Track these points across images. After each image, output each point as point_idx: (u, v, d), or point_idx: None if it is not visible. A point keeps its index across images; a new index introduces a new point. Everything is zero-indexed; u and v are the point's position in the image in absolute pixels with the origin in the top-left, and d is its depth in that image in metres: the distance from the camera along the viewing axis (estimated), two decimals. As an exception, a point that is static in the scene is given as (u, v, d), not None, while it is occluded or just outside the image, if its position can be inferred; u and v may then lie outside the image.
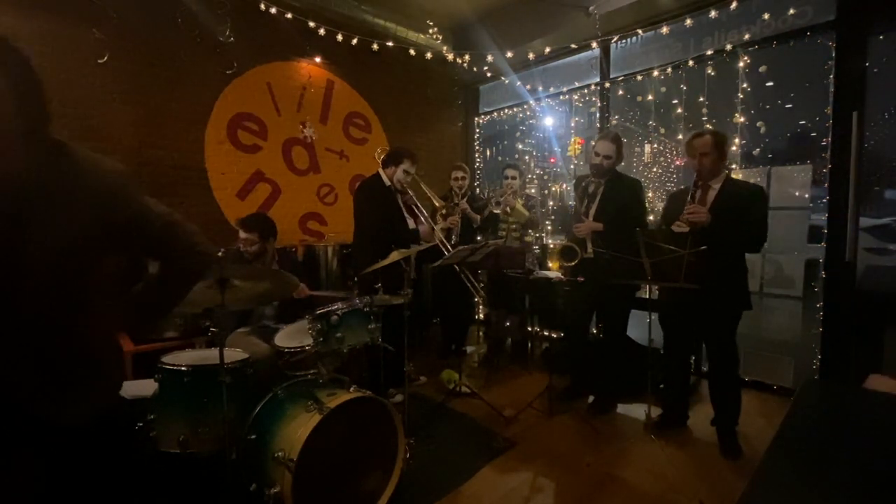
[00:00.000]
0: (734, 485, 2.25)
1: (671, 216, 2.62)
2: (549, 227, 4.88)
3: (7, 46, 0.92)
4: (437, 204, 3.52)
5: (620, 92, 4.37)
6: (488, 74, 4.94)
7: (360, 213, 3.26)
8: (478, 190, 5.50)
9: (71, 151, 1.00)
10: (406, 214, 3.30)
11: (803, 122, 4.59)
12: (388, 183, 3.20)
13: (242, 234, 2.75)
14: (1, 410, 0.96)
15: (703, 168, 2.53)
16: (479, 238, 3.95)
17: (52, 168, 0.97)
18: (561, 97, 4.84)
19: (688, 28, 3.73)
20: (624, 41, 4.15)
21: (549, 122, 5.22)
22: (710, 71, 3.68)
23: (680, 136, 4.09)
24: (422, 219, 3.40)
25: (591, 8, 3.98)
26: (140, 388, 2.02)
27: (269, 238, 2.85)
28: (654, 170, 5.40)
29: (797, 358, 3.40)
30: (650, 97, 4.07)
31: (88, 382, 1.05)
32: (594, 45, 4.21)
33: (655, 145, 5.31)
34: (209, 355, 2.07)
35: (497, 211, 3.92)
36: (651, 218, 3.61)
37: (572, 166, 5.05)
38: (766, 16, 3.33)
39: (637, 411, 3.04)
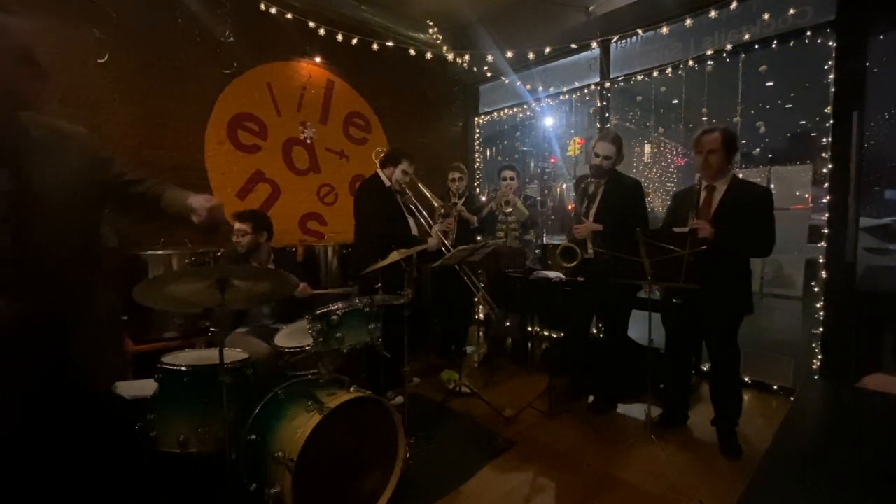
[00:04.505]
0: (734, 485, 2.25)
1: (675, 216, 2.61)
2: (549, 228, 4.87)
3: None
4: (435, 204, 3.51)
5: (620, 92, 4.37)
6: (488, 74, 4.94)
7: (361, 214, 3.25)
8: (477, 190, 5.50)
9: (47, 122, 1.25)
10: (406, 215, 3.30)
11: (803, 122, 4.58)
12: (388, 183, 3.20)
13: (236, 226, 2.82)
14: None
15: (709, 166, 2.47)
16: (478, 238, 3.95)
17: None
18: (561, 97, 4.84)
19: (688, 28, 3.73)
20: (624, 41, 4.15)
21: (548, 122, 5.22)
22: (710, 71, 3.68)
23: (680, 137, 4.10)
24: (422, 219, 3.39)
25: (590, 8, 3.98)
26: (140, 388, 2.02)
27: (262, 231, 2.87)
28: (654, 170, 5.41)
29: (797, 358, 3.39)
30: (650, 97, 4.07)
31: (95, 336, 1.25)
32: (594, 45, 4.21)
33: (655, 146, 5.31)
34: (209, 355, 2.07)
35: (506, 210, 3.88)
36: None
37: (572, 167, 5.05)
38: (766, 16, 3.33)
39: (637, 411, 3.04)
